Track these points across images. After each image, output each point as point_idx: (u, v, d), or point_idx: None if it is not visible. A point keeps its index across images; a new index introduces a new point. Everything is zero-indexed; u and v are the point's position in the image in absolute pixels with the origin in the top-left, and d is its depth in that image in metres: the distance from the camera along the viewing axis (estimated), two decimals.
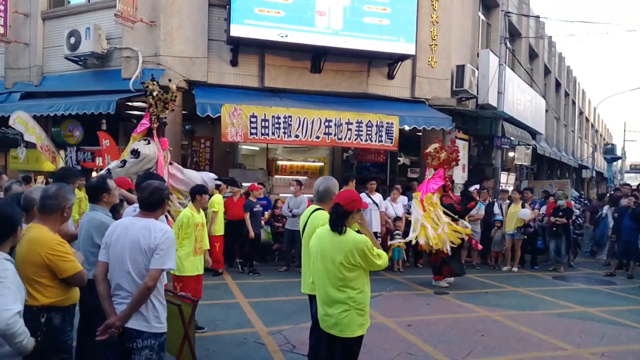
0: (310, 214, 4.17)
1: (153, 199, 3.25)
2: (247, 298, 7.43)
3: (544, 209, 11.58)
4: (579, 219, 13.21)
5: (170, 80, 8.09)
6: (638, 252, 10.32)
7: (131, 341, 3.08)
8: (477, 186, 11.37)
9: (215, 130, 11.34)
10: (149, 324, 3.10)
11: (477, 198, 9.43)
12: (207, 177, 7.06)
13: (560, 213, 10.49)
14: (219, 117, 9.81)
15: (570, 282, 9.68)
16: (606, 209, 12.61)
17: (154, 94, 6.50)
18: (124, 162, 6.31)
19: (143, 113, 6.98)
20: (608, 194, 14.89)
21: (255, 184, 10.04)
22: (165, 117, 7.68)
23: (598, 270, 11.00)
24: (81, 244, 3.96)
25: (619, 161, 45.60)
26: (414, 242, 8.72)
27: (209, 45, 10.69)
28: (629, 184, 14.89)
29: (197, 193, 5.86)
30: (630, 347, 5.74)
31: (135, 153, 6.29)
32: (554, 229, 10.61)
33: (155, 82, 6.67)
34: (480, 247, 10.14)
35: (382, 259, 3.42)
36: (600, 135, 44.30)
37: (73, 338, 3.54)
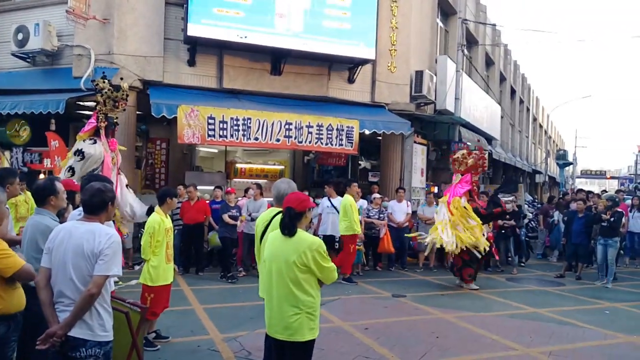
0: (273, 217, 4.05)
1: (94, 201, 3.11)
2: (202, 304, 7.27)
3: None
4: (532, 222, 13.62)
5: (122, 79, 7.86)
6: (586, 254, 10.71)
7: (74, 350, 2.94)
8: (511, 197, 11.25)
9: (172, 131, 11.10)
10: (93, 332, 2.97)
11: (505, 206, 9.72)
12: (140, 210, 6.71)
13: (508, 216, 10.72)
14: (175, 118, 9.58)
15: (522, 284, 9.93)
16: (557, 215, 13.04)
17: (104, 91, 6.29)
18: (71, 168, 6.07)
19: (93, 112, 6.76)
20: (558, 198, 15.40)
21: (229, 187, 9.87)
22: (117, 117, 7.45)
23: (549, 272, 11.34)
24: (25, 249, 3.77)
25: (571, 166, 47.41)
26: (432, 243, 9.03)
27: (165, 44, 10.46)
28: (582, 190, 15.46)
29: (167, 196, 5.61)
30: (577, 346, 5.91)
31: (79, 153, 6.07)
32: (503, 231, 10.89)
33: (105, 80, 6.45)
34: (497, 257, 10.49)
35: (333, 267, 3.44)
36: (553, 142, 45.92)
37: (14, 349, 3.36)
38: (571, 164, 44.92)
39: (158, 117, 9.58)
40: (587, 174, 60.35)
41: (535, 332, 6.41)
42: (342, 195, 9.52)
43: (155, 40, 10.37)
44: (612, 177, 64.17)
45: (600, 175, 60.97)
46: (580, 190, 15.17)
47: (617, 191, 14.34)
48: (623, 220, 10.64)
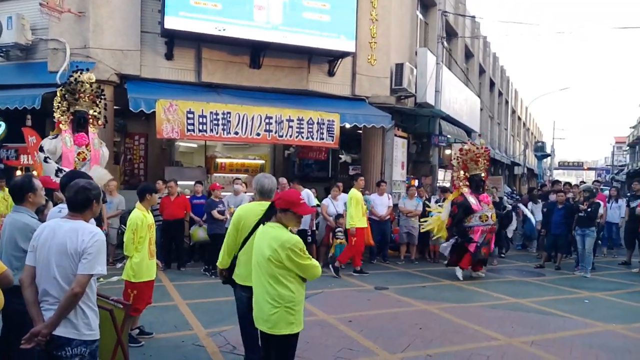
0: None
1: (79, 198, 3.05)
2: (185, 300, 7.20)
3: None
4: (511, 213, 13.77)
5: (87, 70, 7.64)
6: (565, 245, 10.89)
7: (59, 349, 2.90)
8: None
9: (150, 126, 10.95)
10: (78, 331, 2.92)
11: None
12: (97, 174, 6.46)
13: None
14: (154, 112, 9.44)
15: (503, 275, 10.05)
16: (530, 205, 13.24)
17: (64, 86, 6.15)
18: (60, 170, 5.98)
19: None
20: (536, 189, 15.60)
21: (217, 183, 9.76)
22: (99, 112, 7.31)
23: (529, 263, 11.51)
24: (3, 247, 3.70)
25: (549, 158, 48.20)
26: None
27: (142, 37, 10.28)
28: (559, 181, 15.69)
29: (147, 192, 5.52)
30: (558, 335, 6.00)
31: (41, 149, 5.97)
32: None
33: (80, 73, 6.30)
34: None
35: (313, 264, 3.42)
36: (532, 134, 46.58)
37: None
38: (549, 155, 45.65)
39: (136, 111, 9.44)
40: (564, 166, 61.46)
41: (517, 322, 6.49)
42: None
43: (132, 34, 10.19)
44: (589, 169, 65.51)
45: (578, 166, 62.15)
46: (557, 181, 15.41)
47: (595, 182, 14.59)
48: (601, 211, 10.83)
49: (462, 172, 9.50)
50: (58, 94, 6.30)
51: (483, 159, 9.55)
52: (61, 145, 6.22)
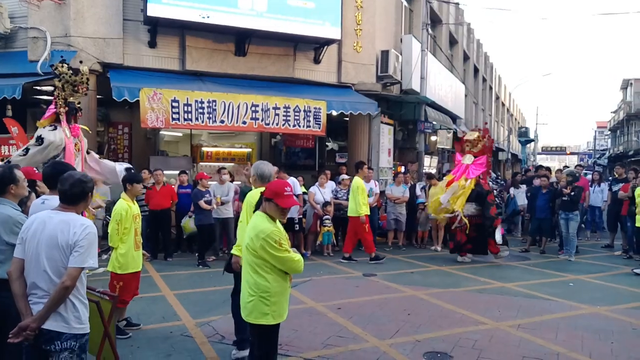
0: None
1: (74, 191, 3.00)
2: (172, 290, 7.16)
3: None
4: (497, 198, 13.90)
5: (81, 62, 7.56)
6: (549, 229, 11.05)
7: (49, 343, 2.86)
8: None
9: (134, 115, 10.80)
10: (68, 324, 2.88)
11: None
12: (119, 168, 6.62)
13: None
14: (138, 101, 9.31)
15: (489, 259, 10.14)
16: (512, 190, 13.39)
17: (62, 76, 6.03)
18: (27, 149, 5.83)
19: (52, 98, 6.48)
20: (520, 174, 15.76)
21: (204, 172, 9.68)
22: (79, 102, 7.18)
23: (514, 247, 11.63)
24: None
25: (532, 143, 48.73)
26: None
27: (125, 25, 10.11)
28: (542, 166, 15.85)
29: (128, 182, 5.45)
30: (544, 318, 6.10)
31: (39, 140, 5.82)
32: None
33: (64, 64, 6.18)
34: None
35: (292, 255, 3.37)
36: (515, 119, 46.94)
37: None
38: (532, 140, 46.11)
39: (119, 100, 9.30)
40: (547, 151, 62.26)
41: (504, 306, 6.58)
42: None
43: (114, 22, 10.01)
44: (571, 153, 66.40)
45: (561, 151, 63.01)
46: (540, 166, 15.57)
47: (577, 166, 14.77)
48: (584, 194, 11.01)
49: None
50: (57, 85, 6.17)
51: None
52: (64, 136, 6.11)
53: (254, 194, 4.32)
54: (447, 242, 11.48)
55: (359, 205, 9.32)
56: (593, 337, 5.41)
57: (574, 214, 10.10)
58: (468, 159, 9.58)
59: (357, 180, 9.48)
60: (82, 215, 3.16)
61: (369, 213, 9.63)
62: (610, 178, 14.17)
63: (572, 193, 10.03)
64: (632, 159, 35.17)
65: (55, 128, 6.00)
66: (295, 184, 9.80)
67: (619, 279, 8.36)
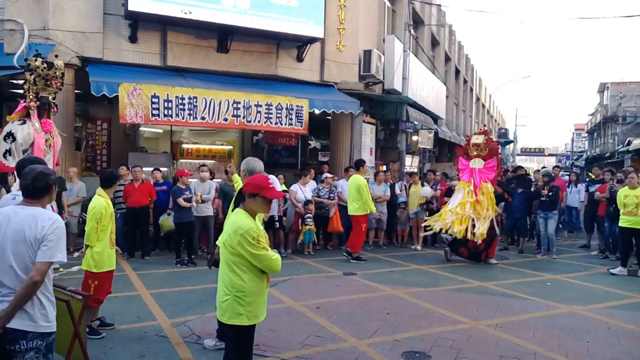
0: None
1: (37, 185, 2.90)
2: (149, 289, 7.04)
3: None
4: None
5: (57, 56, 7.40)
6: (525, 228, 11.21)
7: (13, 343, 2.75)
8: None
9: (113, 111, 10.60)
10: (35, 323, 2.78)
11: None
12: None
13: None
14: (117, 97, 9.14)
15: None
16: None
17: (34, 70, 5.88)
18: (8, 151, 5.69)
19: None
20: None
21: (185, 169, 9.54)
22: (54, 98, 7.03)
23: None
24: None
25: (512, 145, 49.36)
26: (444, 230, 9.51)
27: (105, 19, 9.93)
28: (522, 166, 16.01)
29: (116, 180, 5.39)
30: (522, 317, 6.15)
31: (10, 136, 5.68)
32: None
33: (37, 58, 6.03)
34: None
35: (270, 253, 3.30)
36: (495, 121, 47.48)
37: None
38: (512, 142, 46.73)
39: (98, 95, 9.13)
40: (526, 152, 63.14)
41: (482, 305, 6.62)
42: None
43: (95, 15, 9.84)
44: (550, 155, 67.45)
45: (539, 152, 63.95)
46: (520, 167, 15.75)
47: (555, 167, 14.93)
48: (562, 195, 11.18)
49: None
50: (28, 78, 6.01)
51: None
52: (33, 131, 5.95)
53: None
54: (427, 242, 11.56)
55: (367, 202, 9.35)
56: (569, 337, 5.47)
57: (552, 213, 10.28)
58: (478, 162, 9.50)
59: (359, 178, 9.48)
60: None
61: (374, 210, 9.63)
62: (588, 179, 14.39)
63: (550, 193, 10.17)
64: (609, 161, 35.78)
65: (24, 122, 5.86)
66: (275, 181, 9.74)
67: (595, 279, 8.49)
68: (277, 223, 9.59)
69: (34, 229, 2.77)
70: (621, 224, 8.86)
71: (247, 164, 4.47)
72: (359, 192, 9.36)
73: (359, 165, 9.86)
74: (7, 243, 2.77)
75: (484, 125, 12.93)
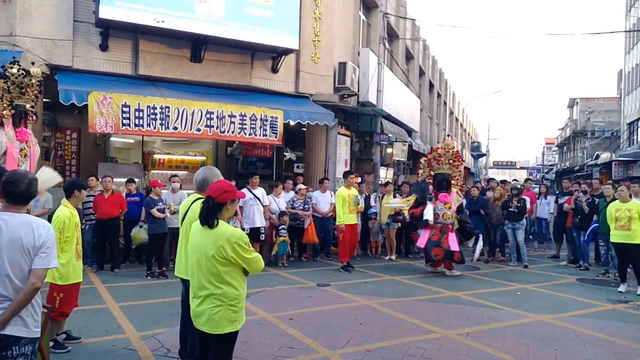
0: (192, 202, 4.28)
1: (32, 190, 2.96)
2: (117, 302, 6.88)
3: None
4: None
5: (33, 64, 7.24)
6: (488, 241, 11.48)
7: (5, 349, 2.74)
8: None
9: (83, 120, 10.39)
10: (28, 328, 2.81)
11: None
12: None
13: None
14: (86, 106, 8.98)
15: (441, 268, 10.28)
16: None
17: (9, 77, 5.75)
18: None
19: None
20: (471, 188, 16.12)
21: (158, 180, 9.37)
22: (33, 106, 6.90)
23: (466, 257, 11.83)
24: None
25: (484, 158, 50.19)
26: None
27: (75, 27, 9.76)
28: (493, 179, 16.31)
29: (76, 188, 5.18)
30: (492, 326, 6.20)
31: None
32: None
33: (14, 65, 5.90)
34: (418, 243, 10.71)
35: (258, 257, 3.36)
36: (468, 134, 48.24)
37: None
38: (484, 155, 47.54)
39: (67, 104, 8.94)
40: (499, 165, 64.29)
41: (453, 315, 6.66)
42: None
43: (64, 22, 9.65)
44: (521, 168, 68.90)
45: (511, 165, 65.18)
46: (492, 179, 16.03)
47: (526, 180, 15.23)
48: (529, 206, 11.50)
49: (427, 170, 9.94)
50: (2, 86, 5.87)
51: (445, 158, 9.80)
52: (5, 140, 5.77)
53: (186, 202, 4.42)
54: (400, 253, 11.60)
55: (338, 215, 9.34)
56: (538, 345, 5.53)
57: (520, 223, 10.71)
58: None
59: (339, 189, 9.66)
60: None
61: (350, 222, 9.51)
62: (557, 192, 14.71)
63: (519, 204, 10.60)
64: (578, 174, 36.75)
65: None
66: (264, 195, 9.75)
67: (564, 288, 8.63)
68: (263, 235, 9.58)
69: (30, 237, 2.81)
70: (613, 239, 8.38)
71: (200, 176, 4.36)
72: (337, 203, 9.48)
73: (345, 176, 10.06)
74: (3, 252, 2.77)
75: (449, 135, 13.15)
